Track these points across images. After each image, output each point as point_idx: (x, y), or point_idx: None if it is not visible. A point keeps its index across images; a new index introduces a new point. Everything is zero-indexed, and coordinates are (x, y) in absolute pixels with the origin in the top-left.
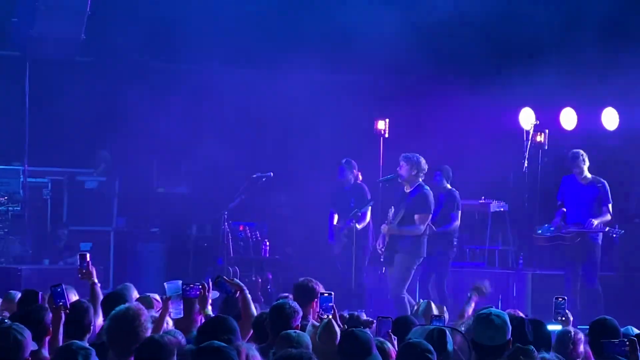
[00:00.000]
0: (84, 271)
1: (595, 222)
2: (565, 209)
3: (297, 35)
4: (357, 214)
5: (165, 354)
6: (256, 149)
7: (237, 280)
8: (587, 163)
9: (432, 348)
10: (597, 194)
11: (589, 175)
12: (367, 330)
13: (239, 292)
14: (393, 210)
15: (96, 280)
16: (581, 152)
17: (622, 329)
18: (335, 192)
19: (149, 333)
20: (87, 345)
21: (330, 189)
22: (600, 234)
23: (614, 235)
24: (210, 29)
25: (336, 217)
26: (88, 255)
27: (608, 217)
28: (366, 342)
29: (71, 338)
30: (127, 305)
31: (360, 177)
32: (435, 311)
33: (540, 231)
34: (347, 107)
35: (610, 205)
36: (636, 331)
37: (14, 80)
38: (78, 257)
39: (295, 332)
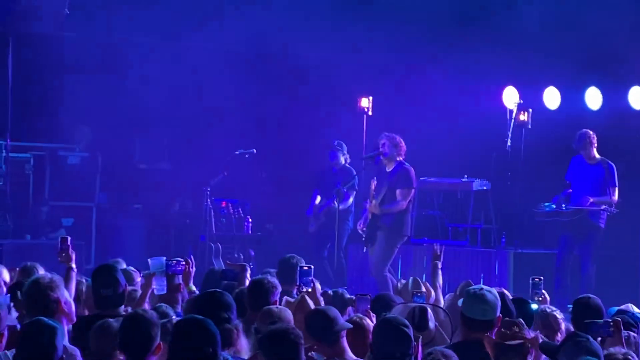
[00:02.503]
0: (64, 254)
1: (592, 199)
2: (571, 190)
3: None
4: (342, 191)
5: (149, 328)
6: (239, 125)
7: (242, 263)
8: (595, 144)
9: (408, 322)
10: (602, 175)
11: (597, 156)
12: (350, 308)
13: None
14: (375, 182)
15: (74, 265)
16: (589, 132)
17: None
18: (322, 174)
19: (58, 292)
20: (54, 323)
21: (317, 168)
22: (604, 217)
23: (608, 214)
24: (196, 4)
25: (319, 198)
26: (69, 239)
27: (610, 198)
28: (333, 318)
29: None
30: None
31: (349, 159)
32: (423, 289)
33: (541, 208)
34: (331, 84)
35: (615, 189)
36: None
37: None
38: (59, 239)
39: (277, 307)
